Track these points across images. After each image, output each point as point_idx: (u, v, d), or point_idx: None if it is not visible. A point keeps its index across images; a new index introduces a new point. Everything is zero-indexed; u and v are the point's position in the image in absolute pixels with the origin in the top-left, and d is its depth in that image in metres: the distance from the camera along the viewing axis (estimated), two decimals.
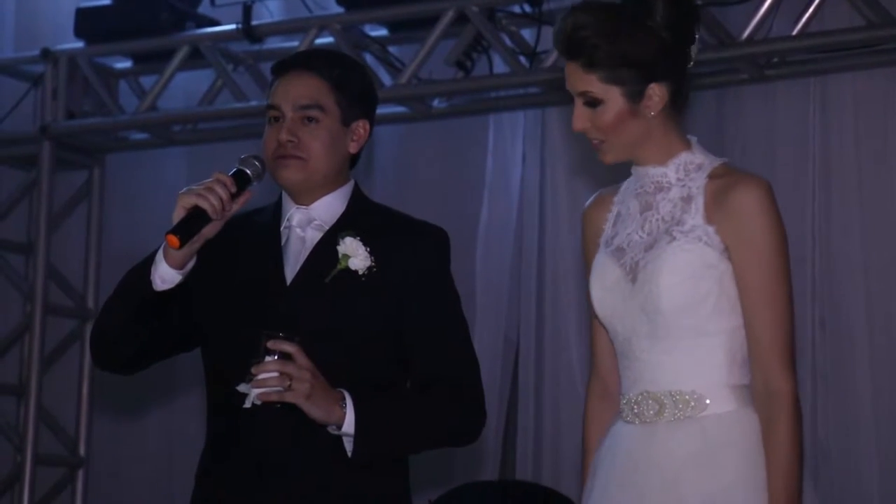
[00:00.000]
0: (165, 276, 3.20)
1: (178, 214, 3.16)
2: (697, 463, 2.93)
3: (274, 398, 3.10)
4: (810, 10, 5.47)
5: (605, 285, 3.08)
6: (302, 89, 3.32)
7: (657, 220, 3.04)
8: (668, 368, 2.99)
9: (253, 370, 3.10)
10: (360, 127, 3.38)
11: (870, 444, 5.49)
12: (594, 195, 3.25)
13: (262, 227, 3.33)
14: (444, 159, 6.41)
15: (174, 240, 3.12)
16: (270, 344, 3.10)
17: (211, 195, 3.15)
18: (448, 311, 3.34)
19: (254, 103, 6.20)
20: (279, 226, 3.36)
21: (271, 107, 3.35)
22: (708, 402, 2.97)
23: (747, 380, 3.00)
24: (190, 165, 6.84)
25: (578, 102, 3.05)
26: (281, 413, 3.15)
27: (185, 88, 6.62)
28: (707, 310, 2.98)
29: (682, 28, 3.02)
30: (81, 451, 6.77)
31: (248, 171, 3.24)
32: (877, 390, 5.50)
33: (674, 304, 2.96)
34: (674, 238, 2.99)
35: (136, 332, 3.27)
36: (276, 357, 3.10)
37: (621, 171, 3.19)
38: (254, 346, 3.11)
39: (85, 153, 6.87)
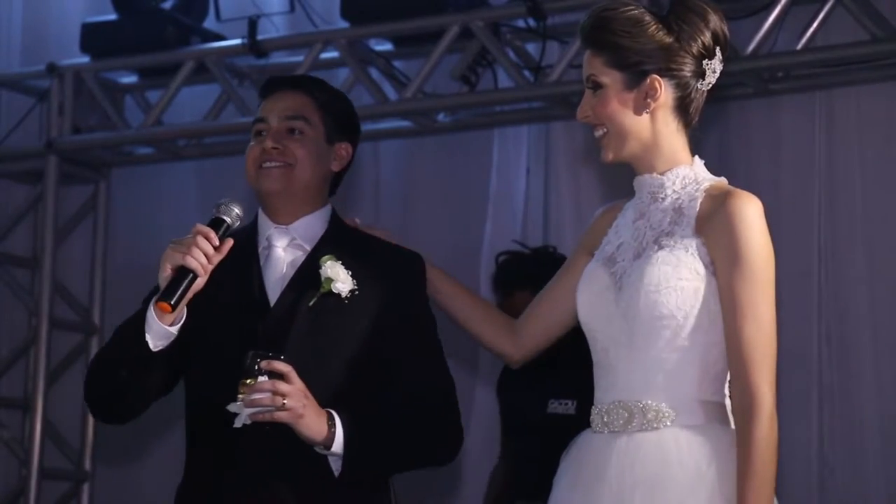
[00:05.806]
0: (160, 334, 3.18)
1: (165, 276, 3.14)
2: (657, 474, 2.92)
3: (267, 418, 3.10)
4: (815, 24, 5.47)
5: (593, 292, 3.08)
6: (289, 103, 3.35)
7: (647, 228, 3.04)
8: (640, 378, 2.98)
9: (245, 390, 3.09)
10: (343, 149, 3.39)
11: (876, 457, 5.49)
12: (610, 203, 3.25)
13: (239, 249, 3.27)
14: (448, 173, 6.43)
15: (166, 306, 3.11)
16: (264, 364, 3.09)
17: (197, 254, 3.12)
18: (425, 334, 3.36)
19: None
20: (257, 247, 3.34)
21: (259, 120, 3.37)
22: (676, 414, 2.95)
23: (718, 396, 2.99)
24: (195, 180, 6.86)
25: (586, 92, 3.06)
26: (271, 433, 3.15)
27: (190, 103, 6.62)
28: (685, 321, 2.96)
29: (701, 42, 3.02)
30: (87, 465, 6.78)
31: (227, 220, 3.21)
32: (883, 404, 5.50)
33: (651, 311, 2.96)
34: (661, 247, 2.99)
35: (135, 388, 3.28)
36: (267, 377, 3.09)
37: (626, 185, 3.18)
38: (240, 368, 3.10)
39: (90, 168, 6.88)
